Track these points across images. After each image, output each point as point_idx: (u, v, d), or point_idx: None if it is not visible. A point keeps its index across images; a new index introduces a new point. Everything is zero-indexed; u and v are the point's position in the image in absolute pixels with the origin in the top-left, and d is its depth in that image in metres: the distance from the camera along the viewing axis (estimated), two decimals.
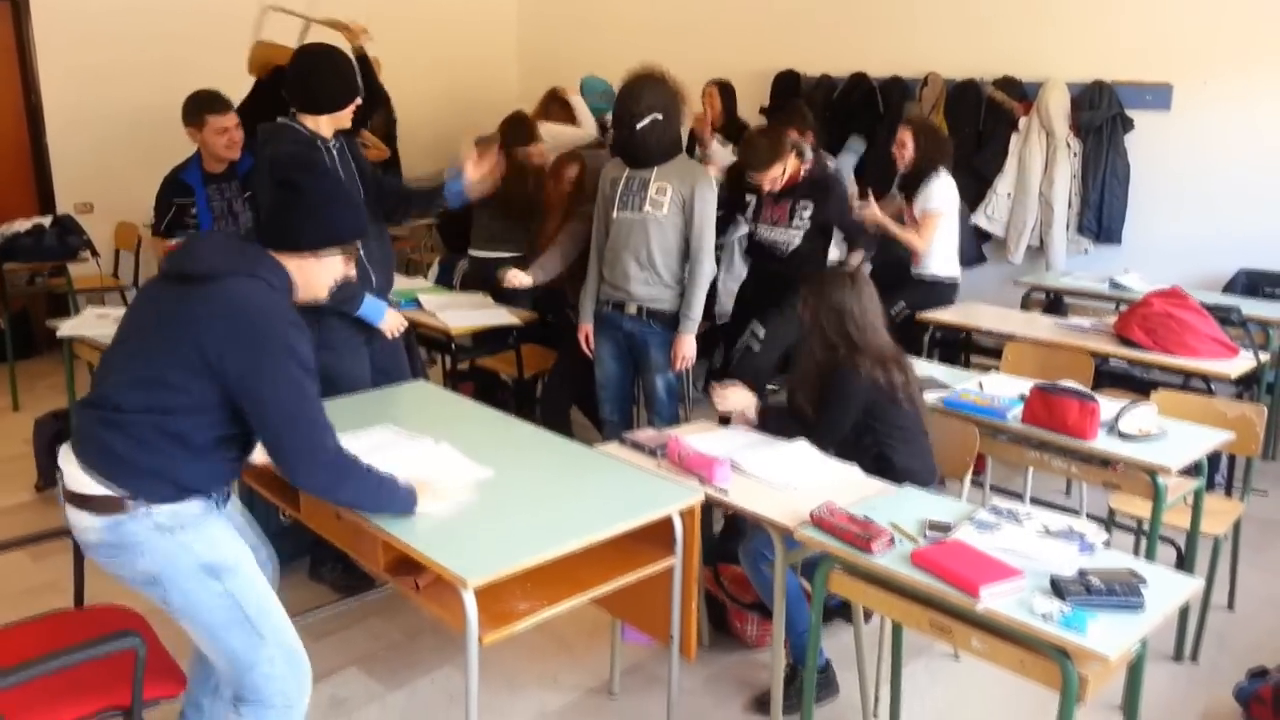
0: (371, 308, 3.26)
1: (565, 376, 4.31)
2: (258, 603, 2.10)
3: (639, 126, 3.49)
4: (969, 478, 3.00)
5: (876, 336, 2.95)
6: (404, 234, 7.05)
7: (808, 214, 4.06)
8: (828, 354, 2.92)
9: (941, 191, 4.59)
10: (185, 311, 1.98)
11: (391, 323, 3.34)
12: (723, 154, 5.39)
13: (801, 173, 4.06)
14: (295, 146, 3.08)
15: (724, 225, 4.34)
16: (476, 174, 3.40)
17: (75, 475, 2.02)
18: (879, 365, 2.89)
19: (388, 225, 3.46)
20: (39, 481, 4.28)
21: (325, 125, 3.15)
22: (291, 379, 1.99)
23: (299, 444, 2.04)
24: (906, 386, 2.93)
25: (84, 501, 2.01)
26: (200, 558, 2.04)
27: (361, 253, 3.19)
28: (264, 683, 2.09)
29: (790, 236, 4.08)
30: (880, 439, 2.91)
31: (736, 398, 3.10)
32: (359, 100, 3.18)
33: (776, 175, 4.00)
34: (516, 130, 4.87)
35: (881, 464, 2.86)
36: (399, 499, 2.21)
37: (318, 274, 2.19)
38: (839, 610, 3.19)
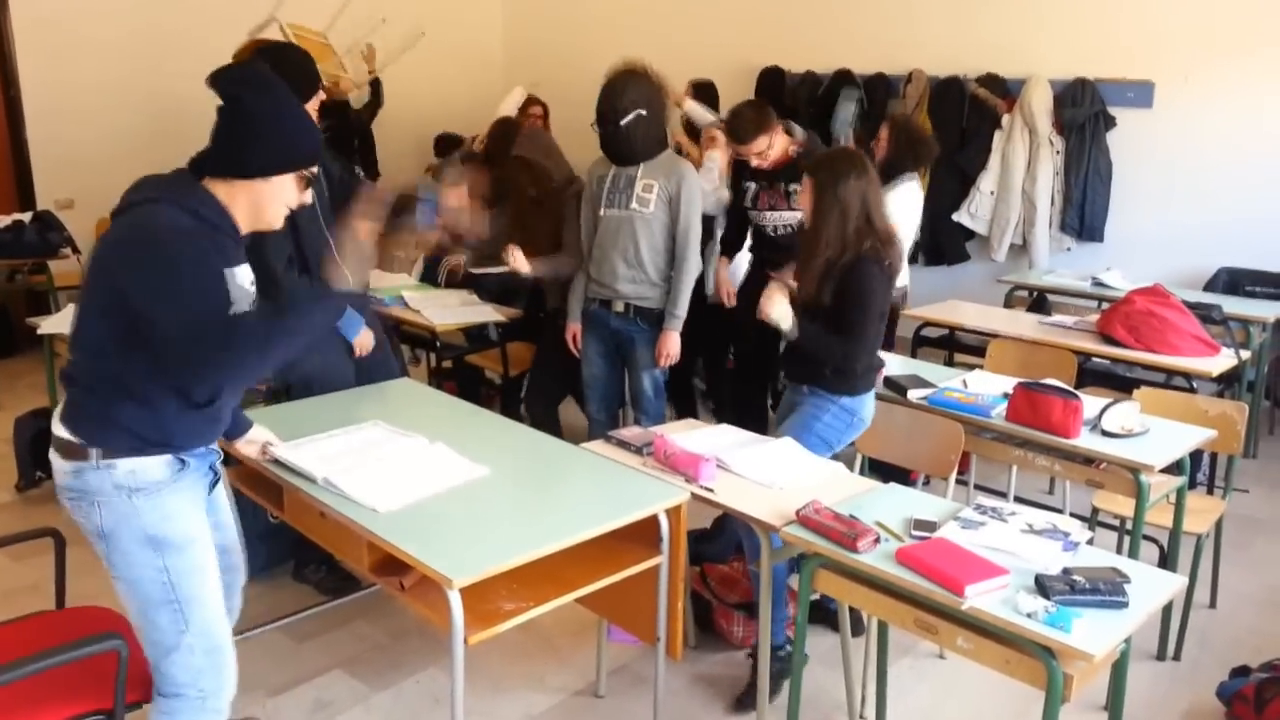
0: (350, 322, 3.24)
1: (549, 373, 4.29)
2: (193, 590, 2.06)
3: (623, 123, 3.48)
4: (954, 476, 3.01)
5: (886, 224, 2.89)
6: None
7: (795, 196, 3.86)
8: (845, 244, 2.83)
9: (899, 199, 4.27)
10: (100, 247, 1.96)
11: (365, 340, 3.31)
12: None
13: (792, 151, 3.91)
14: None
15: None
16: (453, 202, 3.31)
17: (56, 419, 2.04)
18: (898, 258, 2.88)
19: None
20: (19, 481, 4.23)
21: None
22: (172, 293, 1.85)
23: (177, 350, 1.87)
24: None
25: (57, 443, 2.03)
26: (148, 528, 2.01)
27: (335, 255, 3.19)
28: (180, 672, 2.07)
29: (790, 218, 3.92)
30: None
31: (781, 309, 2.90)
32: (320, 94, 3.12)
33: (763, 148, 3.83)
34: (502, 140, 4.89)
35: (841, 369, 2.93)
36: (314, 310, 2.04)
37: (269, 199, 2.01)
38: (826, 619, 3.20)
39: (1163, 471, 2.95)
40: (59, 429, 2.02)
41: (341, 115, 6.51)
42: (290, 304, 2.05)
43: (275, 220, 2.07)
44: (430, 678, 3.03)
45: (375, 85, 7.11)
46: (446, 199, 3.28)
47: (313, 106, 3.08)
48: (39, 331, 4.18)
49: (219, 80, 2.00)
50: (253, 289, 2.09)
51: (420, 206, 3.32)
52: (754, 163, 3.88)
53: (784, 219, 3.94)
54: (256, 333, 1.95)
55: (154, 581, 2.03)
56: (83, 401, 2.00)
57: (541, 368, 4.37)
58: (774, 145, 3.85)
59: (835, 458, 2.94)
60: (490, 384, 5.15)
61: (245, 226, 2.04)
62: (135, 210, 1.94)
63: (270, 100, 2.01)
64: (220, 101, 2.00)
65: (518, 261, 3.98)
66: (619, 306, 3.69)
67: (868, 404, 3.07)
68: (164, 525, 2.03)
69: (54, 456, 2.05)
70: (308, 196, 2.10)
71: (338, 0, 6.11)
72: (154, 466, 2.02)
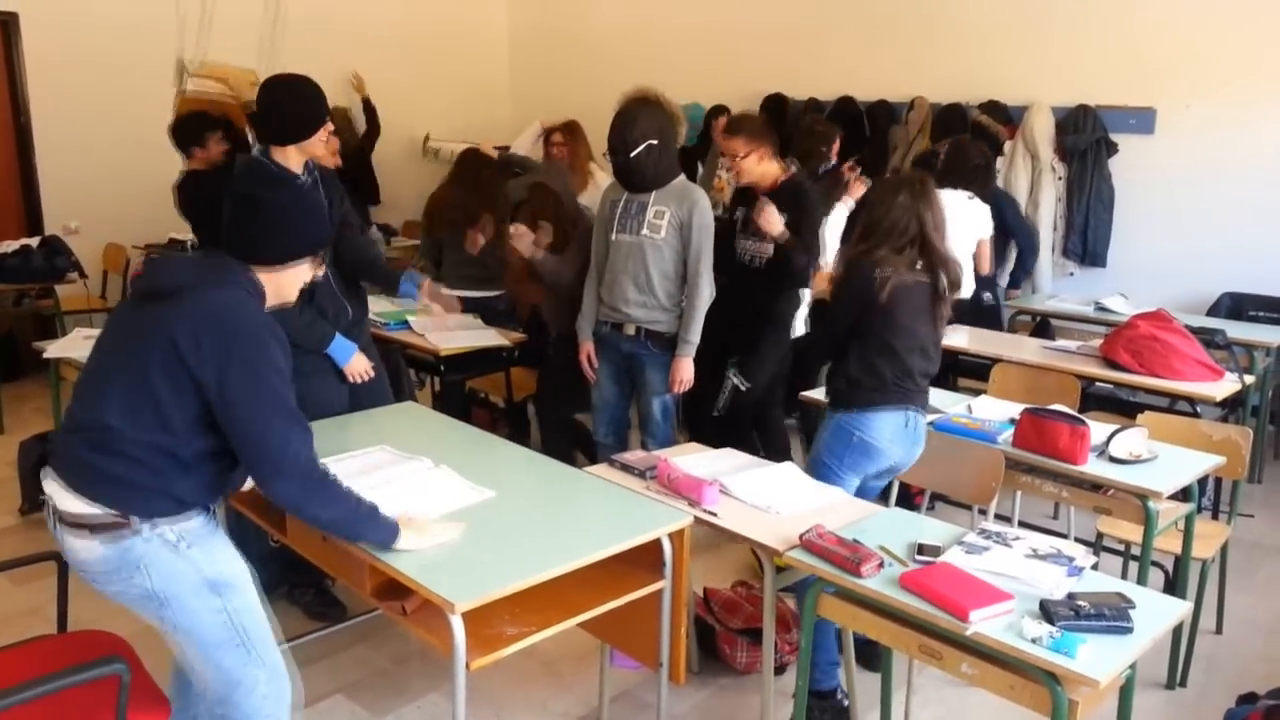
0: (340, 348, 3.23)
1: (558, 393, 4.30)
2: (252, 622, 2.10)
3: (633, 154, 3.50)
4: (994, 503, 2.99)
5: (943, 247, 2.90)
6: (395, 254, 7.07)
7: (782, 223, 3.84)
8: (879, 253, 2.85)
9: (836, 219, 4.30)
10: (163, 325, 1.97)
11: (356, 367, 3.30)
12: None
13: (779, 181, 3.84)
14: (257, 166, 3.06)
15: None
16: (430, 299, 3.47)
17: (67, 499, 2.00)
18: (940, 266, 2.87)
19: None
20: (23, 505, 4.24)
21: (294, 156, 3.07)
22: (263, 383, 1.96)
23: (268, 451, 1.98)
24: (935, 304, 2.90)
25: (82, 523, 1.99)
26: (205, 574, 2.04)
27: (335, 286, 3.21)
28: (250, 702, 2.10)
29: (766, 247, 3.87)
30: (864, 343, 2.88)
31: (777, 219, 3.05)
32: (329, 126, 3.15)
33: (739, 151, 3.76)
34: (472, 167, 4.98)
35: (837, 363, 2.93)
36: (379, 527, 2.15)
37: (287, 282, 2.18)
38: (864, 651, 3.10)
39: (1169, 498, 2.94)
40: (78, 505, 1.98)
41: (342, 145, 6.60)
42: (365, 511, 2.14)
43: (291, 296, 2.23)
44: (432, 703, 3.01)
45: (369, 111, 7.17)
46: (422, 296, 3.42)
47: (321, 138, 3.11)
48: (45, 355, 4.19)
49: (235, 179, 2.22)
50: None
51: (402, 285, 3.41)
52: (725, 164, 3.84)
53: (761, 249, 3.89)
54: (344, 496, 2.10)
55: (216, 624, 2.05)
56: (122, 474, 1.97)
57: (552, 392, 4.38)
58: (753, 160, 3.78)
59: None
60: (494, 408, 5.16)
61: (268, 303, 2.16)
62: (203, 293, 1.98)
63: (284, 194, 2.22)
64: (231, 195, 2.15)
65: (522, 241, 3.99)
66: (630, 329, 3.70)
67: (874, 427, 2.88)
68: (217, 568, 2.06)
69: (75, 537, 2.00)
70: (321, 270, 2.26)
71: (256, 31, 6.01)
72: (194, 519, 2.06)
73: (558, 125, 5.78)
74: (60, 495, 2.01)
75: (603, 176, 5.33)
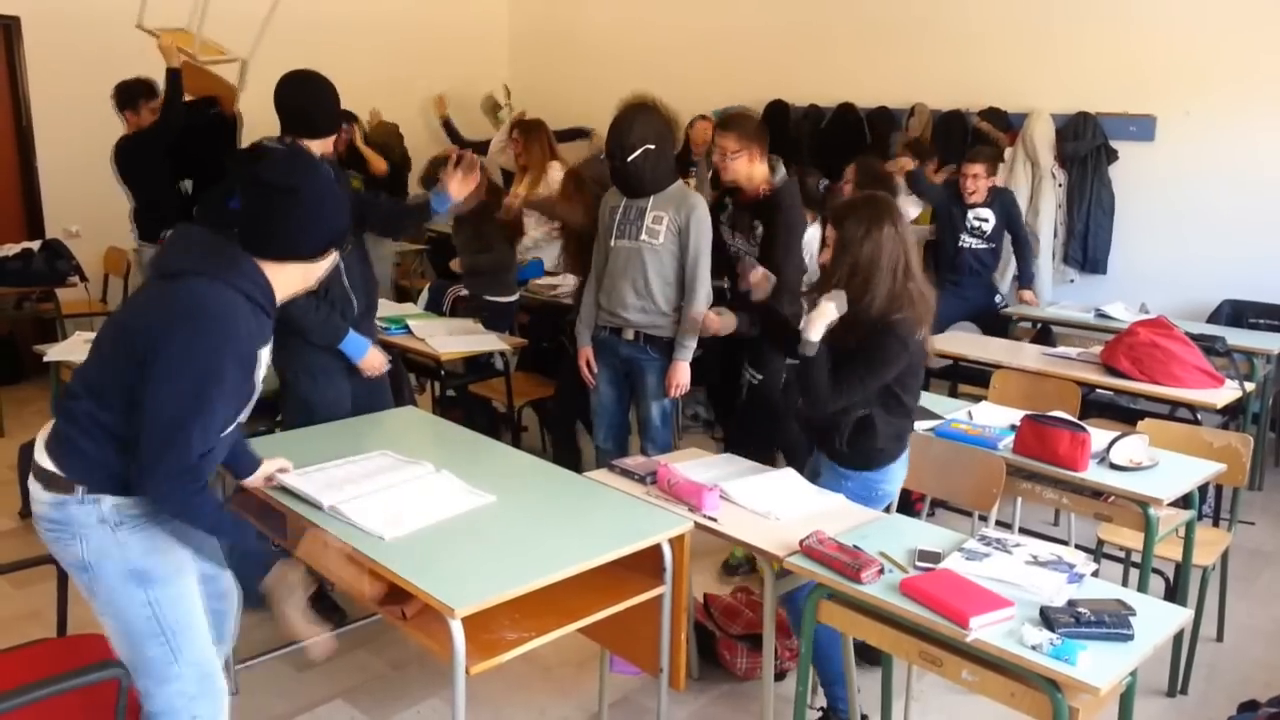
0: (354, 344, 3.25)
1: (569, 398, 4.30)
2: (179, 619, 2.06)
3: (630, 159, 3.51)
4: (995, 509, 2.99)
5: (925, 285, 2.71)
6: (394, 259, 7.08)
7: (758, 233, 3.79)
8: (889, 299, 2.65)
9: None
10: (143, 305, 1.97)
11: (372, 361, 3.31)
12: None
13: (763, 190, 3.75)
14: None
15: None
16: (460, 191, 3.39)
17: (39, 449, 2.05)
18: (927, 324, 2.70)
19: (387, 238, 3.47)
20: (23, 509, 4.23)
21: (318, 149, 3.13)
22: (186, 380, 1.89)
23: (153, 442, 1.90)
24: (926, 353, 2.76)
25: (40, 474, 2.03)
26: (131, 561, 2.02)
27: (345, 279, 3.22)
28: (174, 700, 2.07)
29: (751, 251, 3.78)
30: (884, 404, 2.74)
31: (821, 324, 2.68)
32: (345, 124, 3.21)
33: (730, 148, 3.66)
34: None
35: (861, 429, 2.73)
36: (247, 534, 2.10)
37: (315, 270, 2.12)
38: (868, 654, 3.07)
39: (1170, 505, 2.94)
40: (43, 459, 2.02)
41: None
42: (242, 526, 2.10)
43: (314, 284, 2.16)
44: (431, 708, 3.01)
45: (449, 129, 7.40)
46: (452, 190, 3.35)
47: (335, 136, 3.17)
48: (45, 359, 4.19)
49: (266, 168, 2.04)
50: (267, 369, 2.13)
51: (435, 199, 3.38)
52: (714, 158, 3.75)
53: (744, 249, 3.81)
54: (203, 502, 2.00)
55: (140, 616, 2.03)
56: (75, 439, 1.99)
57: (565, 396, 4.39)
58: (743, 160, 3.69)
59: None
60: (494, 412, 5.16)
61: (285, 296, 2.10)
62: (192, 283, 1.94)
63: (322, 183, 2.08)
64: (261, 185, 2.02)
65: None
66: (629, 334, 3.71)
67: (893, 479, 2.86)
68: (149, 558, 2.04)
69: (34, 485, 2.04)
70: (337, 257, 2.18)
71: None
72: (139, 501, 2.03)
73: (518, 122, 5.84)
74: (38, 447, 2.05)
75: (557, 176, 5.39)
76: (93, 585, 2.03)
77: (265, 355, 2.09)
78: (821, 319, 2.66)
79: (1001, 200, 5.37)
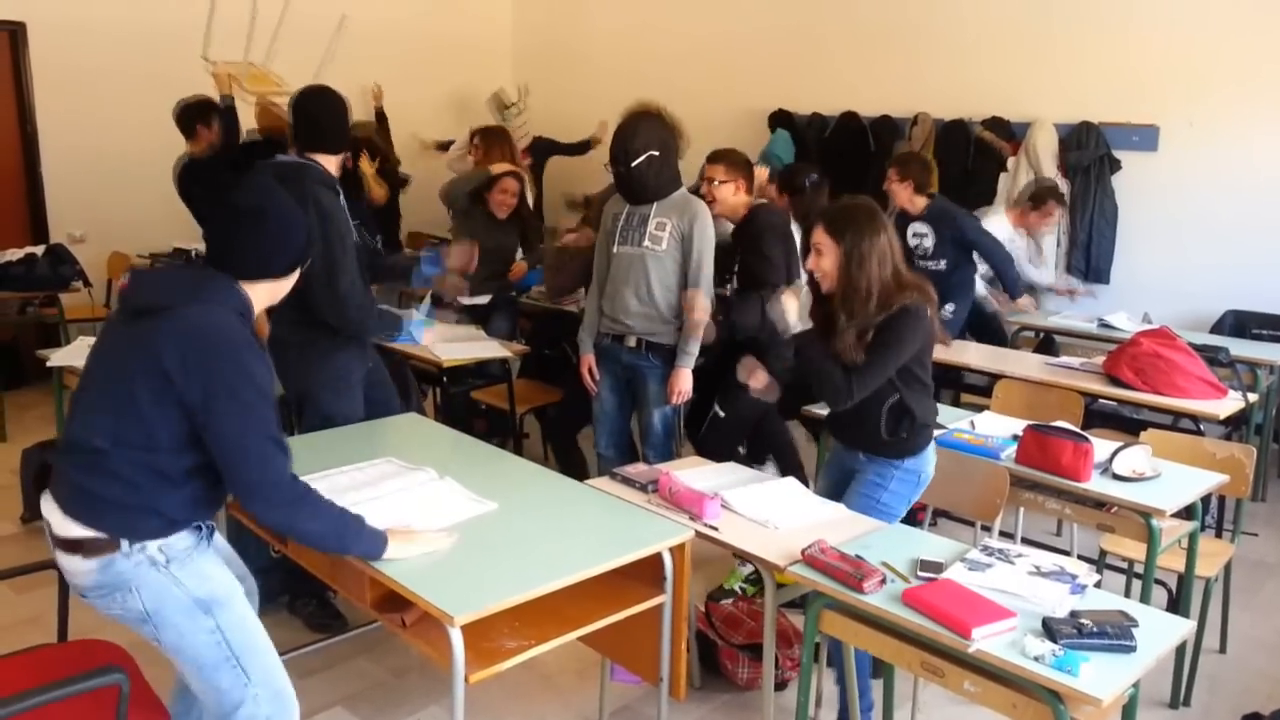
0: (415, 327, 3.50)
1: (572, 406, 4.30)
2: (246, 640, 2.09)
3: (634, 165, 3.51)
4: (999, 519, 2.99)
5: (911, 273, 2.78)
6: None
7: (737, 257, 3.88)
8: (882, 291, 2.69)
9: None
10: (149, 343, 1.96)
11: (453, 284, 3.59)
12: None
13: (741, 212, 3.84)
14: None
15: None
16: (457, 264, 3.52)
17: (61, 522, 2.01)
18: (933, 303, 2.74)
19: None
20: (24, 513, 4.24)
21: (332, 166, 3.19)
22: (245, 405, 1.96)
23: (249, 473, 1.99)
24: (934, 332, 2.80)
25: (74, 546, 1.99)
26: (192, 592, 2.03)
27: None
28: None
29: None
30: (907, 385, 2.77)
31: (791, 308, 2.79)
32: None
33: (718, 177, 3.79)
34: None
35: (899, 415, 2.76)
36: (365, 538, 2.15)
37: (277, 291, 2.17)
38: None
39: (1173, 515, 2.93)
40: (71, 529, 1.99)
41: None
42: (351, 522, 2.15)
43: (278, 299, 2.20)
44: (431, 716, 3.00)
45: (381, 119, 7.22)
46: (449, 261, 3.50)
47: (334, 164, 3.21)
48: (49, 364, 4.20)
49: (233, 194, 2.12)
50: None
51: (422, 266, 3.46)
52: (703, 188, 3.84)
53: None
54: (319, 498, 2.10)
55: (209, 644, 2.05)
56: (111, 495, 1.97)
57: (568, 403, 4.39)
58: (729, 189, 3.80)
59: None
60: (495, 419, 5.14)
61: (257, 311, 2.15)
62: (185, 312, 1.97)
63: (285, 204, 2.16)
64: (230, 209, 2.10)
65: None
66: (631, 341, 3.71)
67: (930, 460, 2.89)
68: (205, 586, 2.06)
69: (70, 559, 2.01)
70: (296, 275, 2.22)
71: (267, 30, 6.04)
72: (181, 536, 2.05)
73: (480, 129, 5.84)
74: (55, 518, 2.02)
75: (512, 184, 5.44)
76: (159, 632, 2.04)
77: None
78: (791, 308, 2.78)
79: (942, 214, 4.96)
